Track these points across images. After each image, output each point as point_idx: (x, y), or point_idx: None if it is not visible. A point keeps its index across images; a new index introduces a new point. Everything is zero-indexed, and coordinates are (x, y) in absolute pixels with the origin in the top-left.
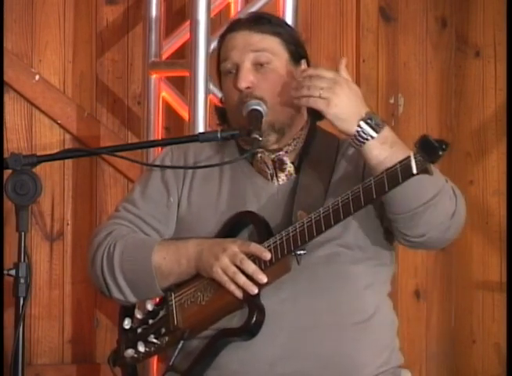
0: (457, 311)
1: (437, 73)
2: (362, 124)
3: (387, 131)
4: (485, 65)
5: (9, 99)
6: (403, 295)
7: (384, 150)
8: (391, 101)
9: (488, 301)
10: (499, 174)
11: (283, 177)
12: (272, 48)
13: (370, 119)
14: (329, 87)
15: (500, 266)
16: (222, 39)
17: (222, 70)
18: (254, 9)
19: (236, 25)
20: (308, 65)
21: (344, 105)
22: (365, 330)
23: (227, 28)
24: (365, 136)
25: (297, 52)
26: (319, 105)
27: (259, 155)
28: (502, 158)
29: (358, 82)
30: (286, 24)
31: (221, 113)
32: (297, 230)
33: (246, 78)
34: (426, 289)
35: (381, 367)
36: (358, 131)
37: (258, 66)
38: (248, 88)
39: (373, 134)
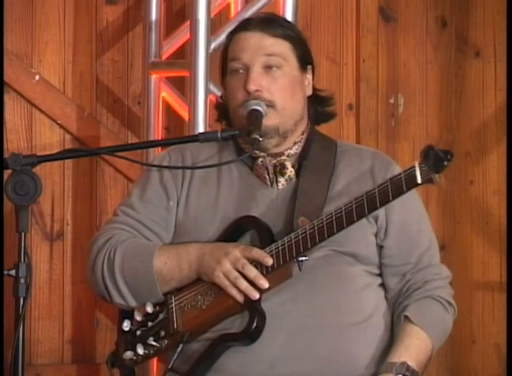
0: (457, 311)
1: (437, 73)
2: None
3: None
4: (485, 65)
5: (9, 99)
6: None
7: None
8: (391, 101)
9: (488, 301)
10: (499, 174)
11: (282, 182)
12: (284, 53)
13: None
14: None
15: (500, 266)
16: (232, 37)
17: (230, 68)
18: (254, 8)
19: (249, 25)
20: (313, 72)
21: None
22: (364, 330)
23: (237, 26)
24: None
25: (305, 58)
26: None
27: (260, 160)
28: (502, 158)
29: (358, 82)
30: (295, 27)
31: (221, 109)
32: (300, 237)
33: (257, 81)
34: None
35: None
36: None
37: (268, 69)
38: (257, 91)
39: None
